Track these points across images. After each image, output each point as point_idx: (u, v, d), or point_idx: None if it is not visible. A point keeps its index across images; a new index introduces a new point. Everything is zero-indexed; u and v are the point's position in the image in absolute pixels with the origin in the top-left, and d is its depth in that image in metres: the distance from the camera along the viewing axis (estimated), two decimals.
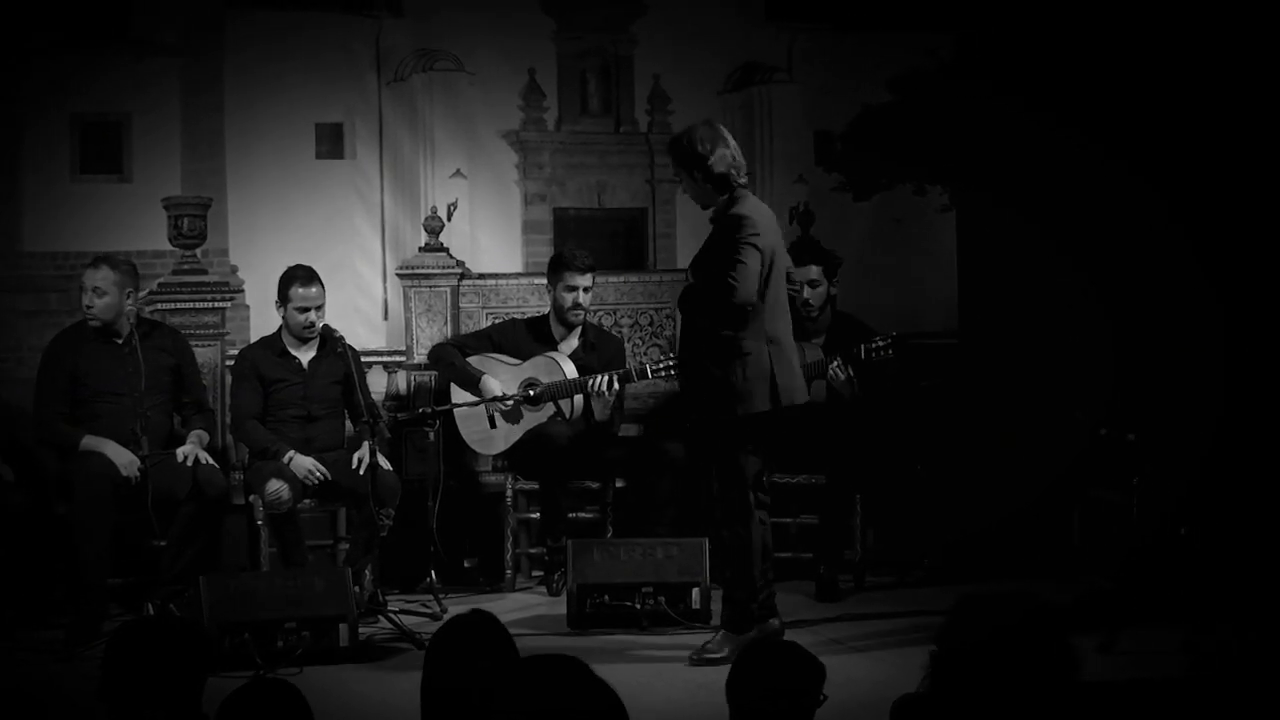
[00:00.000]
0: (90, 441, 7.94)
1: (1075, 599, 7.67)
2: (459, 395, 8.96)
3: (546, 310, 9.18)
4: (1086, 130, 9.16)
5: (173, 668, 4.06)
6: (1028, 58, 9.50)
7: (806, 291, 8.99)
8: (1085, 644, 6.84)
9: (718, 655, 7.09)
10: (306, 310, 8.46)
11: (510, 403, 8.85)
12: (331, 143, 10.19)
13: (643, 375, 8.74)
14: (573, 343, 9.03)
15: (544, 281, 9.35)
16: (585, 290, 8.95)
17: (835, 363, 8.71)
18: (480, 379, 8.86)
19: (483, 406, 8.87)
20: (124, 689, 4.04)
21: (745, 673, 4.12)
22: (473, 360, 8.98)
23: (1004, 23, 9.76)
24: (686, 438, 7.55)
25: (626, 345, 9.47)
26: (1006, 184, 9.64)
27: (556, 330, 9.04)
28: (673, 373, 8.78)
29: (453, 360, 9.01)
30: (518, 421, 8.92)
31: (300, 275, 8.48)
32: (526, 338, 9.05)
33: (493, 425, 8.92)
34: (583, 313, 9.00)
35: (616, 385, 8.69)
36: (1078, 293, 9.41)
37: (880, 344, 8.67)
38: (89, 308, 8.05)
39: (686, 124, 9.80)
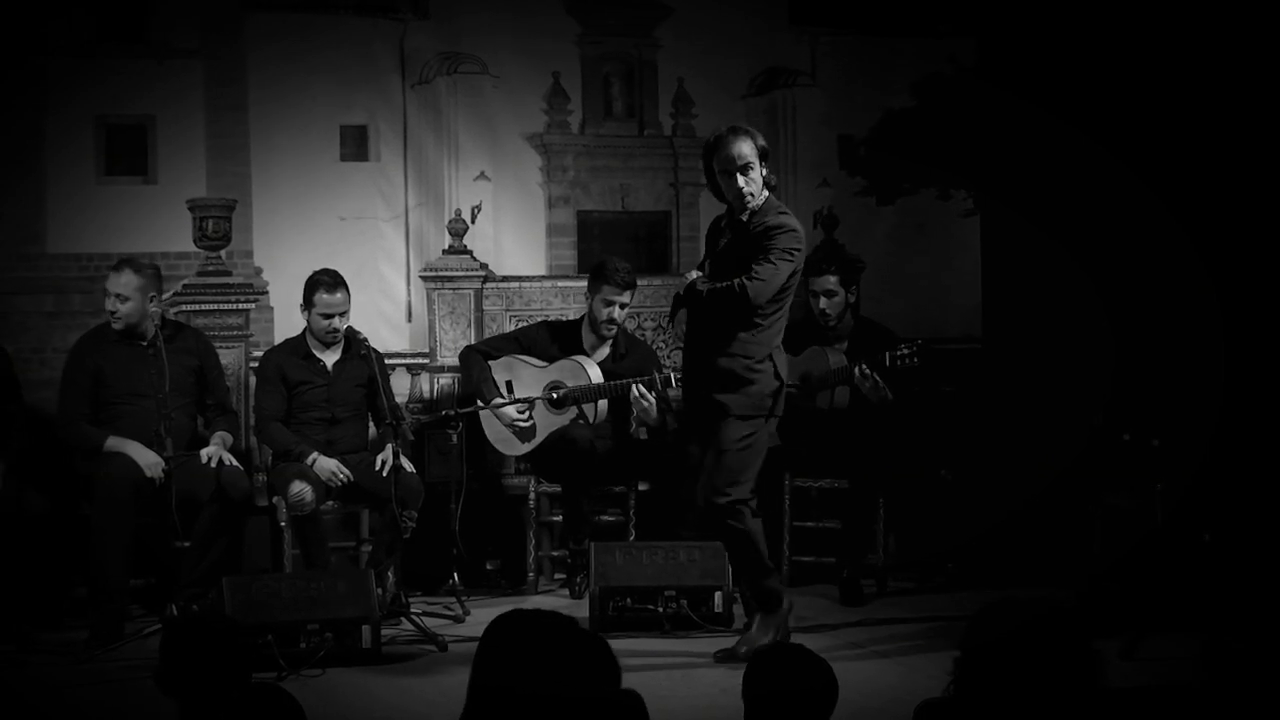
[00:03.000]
0: (114, 442, 7.96)
1: (1097, 604, 7.66)
2: None
3: (579, 315, 9.19)
4: (1109, 135, 9.15)
5: (226, 661, 4.28)
6: (1049, 62, 9.48)
7: (823, 301, 9.01)
8: (1107, 649, 6.85)
9: (766, 640, 7.08)
10: (330, 316, 8.48)
11: (530, 407, 8.86)
12: (356, 145, 10.18)
13: (668, 384, 8.72)
14: (604, 351, 9.03)
15: (567, 284, 9.39)
16: (621, 306, 8.94)
17: (861, 367, 8.70)
18: (490, 402, 8.86)
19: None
20: (184, 675, 4.20)
21: (759, 676, 4.11)
22: (500, 362, 8.99)
23: (1025, 28, 9.75)
24: (696, 436, 7.44)
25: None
26: (1030, 188, 9.63)
27: (588, 338, 9.04)
28: None
29: (470, 371, 9.03)
30: (533, 423, 8.93)
31: (325, 281, 8.50)
32: (555, 342, 9.05)
33: (529, 418, 8.90)
34: (615, 327, 8.99)
35: (649, 390, 8.65)
36: (1101, 298, 9.40)
37: (906, 351, 8.66)
38: (113, 313, 8.08)
39: (711, 127, 9.83)
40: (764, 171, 7.08)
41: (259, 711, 3.89)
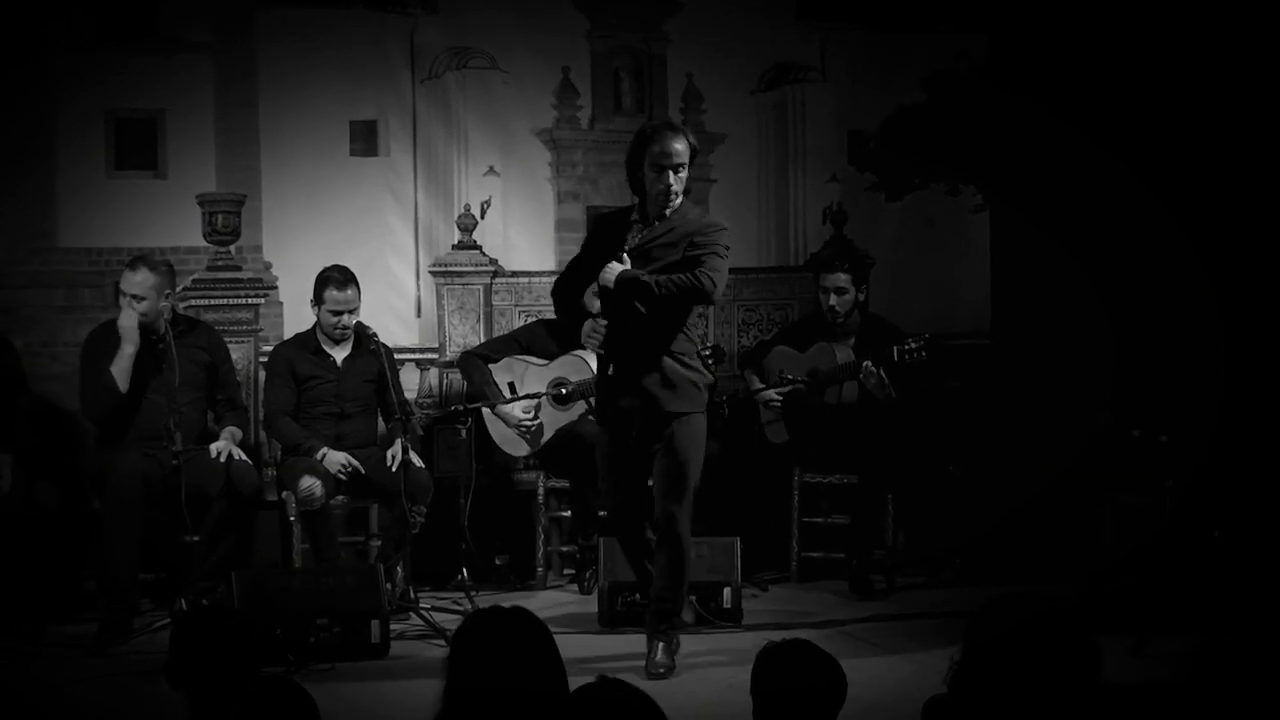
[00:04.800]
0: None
1: (1099, 602, 7.66)
2: None
3: None
4: (1120, 131, 9.15)
5: (235, 655, 4.32)
6: (1060, 59, 9.48)
7: (833, 299, 9.01)
8: (1116, 647, 6.85)
9: (670, 665, 7.05)
10: (339, 314, 8.49)
11: (537, 402, 8.87)
12: (365, 140, 10.17)
13: None
14: None
15: None
16: None
17: (867, 363, 8.71)
18: (496, 405, 8.87)
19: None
20: (193, 669, 4.29)
21: (767, 673, 4.11)
22: (501, 364, 9.00)
23: (1037, 24, 9.74)
24: (634, 439, 7.13)
25: None
26: (1040, 184, 9.62)
27: None
28: (709, 360, 8.76)
29: (471, 376, 9.04)
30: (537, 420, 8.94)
31: (335, 278, 8.51)
32: (553, 338, 9.05)
33: (535, 417, 8.90)
34: None
35: None
36: (1108, 294, 9.39)
37: (913, 345, 8.66)
38: None
39: (721, 123, 9.81)
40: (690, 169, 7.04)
41: (273, 705, 3.90)
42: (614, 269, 6.93)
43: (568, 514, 9.13)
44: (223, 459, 8.03)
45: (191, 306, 9.08)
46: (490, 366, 9.01)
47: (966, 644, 3.72)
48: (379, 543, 8.57)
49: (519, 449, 9.01)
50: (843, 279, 9.02)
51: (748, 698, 4.13)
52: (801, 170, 10.65)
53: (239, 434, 8.34)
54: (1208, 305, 8.80)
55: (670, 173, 6.90)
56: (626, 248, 6.99)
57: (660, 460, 7.02)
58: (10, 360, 8.22)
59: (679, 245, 6.93)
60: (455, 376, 9.63)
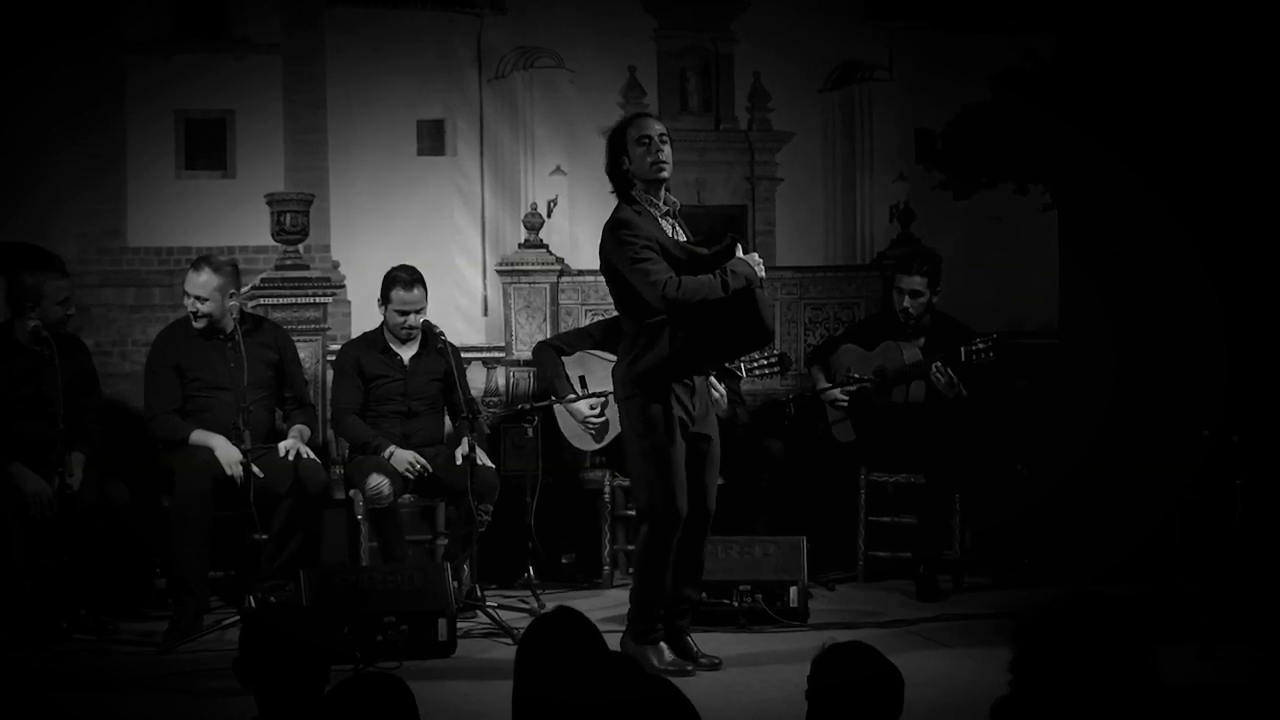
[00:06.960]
0: (199, 436, 8.04)
1: (1173, 603, 7.62)
2: None
3: None
4: (1188, 129, 9.09)
5: (304, 653, 4.33)
6: (1128, 57, 9.43)
7: (907, 300, 8.99)
8: (1185, 649, 6.82)
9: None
10: (406, 314, 8.53)
11: (604, 400, 8.87)
12: (432, 139, 10.20)
13: (737, 376, 8.71)
14: None
15: None
16: None
17: (936, 364, 8.69)
18: (563, 398, 8.89)
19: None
20: (261, 665, 4.30)
21: (824, 677, 4.08)
22: (574, 358, 9.01)
23: (1104, 22, 9.69)
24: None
25: None
26: (1108, 183, 9.57)
27: None
28: (774, 370, 8.79)
29: (544, 368, 9.06)
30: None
31: (402, 278, 8.55)
32: (617, 338, 9.04)
33: (600, 414, 8.91)
34: None
35: (718, 382, 8.63)
36: (1179, 292, 9.33)
37: (980, 346, 8.66)
38: (194, 313, 8.16)
39: (787, 122, 9.79)
40: None
41: (375, 701, 3.93)
42: (757, 260, 6.94)
43: (633, 513, 9.12)
44: (291, 457, 8.07)
45: (259, 305, 9.13)
46: (564, 359, 9.04)
47: (1015, 644, 3.71)
48: (446, 541, 8.60)
49: (588, 444, 9.02)
50: (919, 282, 9.00)
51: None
52: (868, 169, 10.62)
53: (307, 432, 8.38)
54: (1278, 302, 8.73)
55: (657, 139, 6.98)
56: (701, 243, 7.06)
57: (710, 460, 7.12)
58: (83, 360, 8.28)
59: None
60: (522, 375, 9.66)
